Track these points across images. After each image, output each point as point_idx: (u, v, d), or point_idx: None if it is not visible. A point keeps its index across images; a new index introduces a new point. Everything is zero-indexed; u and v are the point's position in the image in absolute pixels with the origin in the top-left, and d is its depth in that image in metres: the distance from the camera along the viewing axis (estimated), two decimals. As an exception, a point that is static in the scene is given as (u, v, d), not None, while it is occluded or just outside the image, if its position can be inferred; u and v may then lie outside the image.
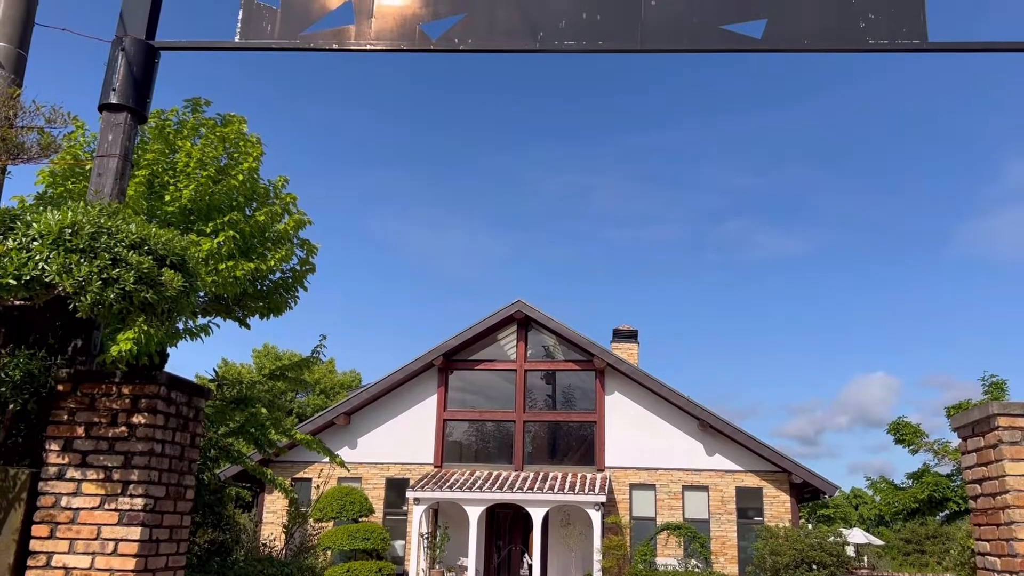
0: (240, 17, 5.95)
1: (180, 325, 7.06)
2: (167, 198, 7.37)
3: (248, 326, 8.22)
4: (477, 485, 22.53)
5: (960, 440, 4.92)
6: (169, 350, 7.13)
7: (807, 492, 24.41)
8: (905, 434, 28.32)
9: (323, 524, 21.49)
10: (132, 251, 3.96)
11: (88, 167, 6.94)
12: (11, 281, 3.81)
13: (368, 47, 5.80)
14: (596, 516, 21.84)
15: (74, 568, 4.23)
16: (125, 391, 4.49)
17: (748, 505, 23.35)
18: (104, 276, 3.80)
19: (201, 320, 7.49)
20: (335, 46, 5.87)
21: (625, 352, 26.36)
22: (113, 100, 5.55)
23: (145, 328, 4.67)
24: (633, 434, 24.11)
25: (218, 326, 7.69)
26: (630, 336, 27.34)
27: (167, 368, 7.45)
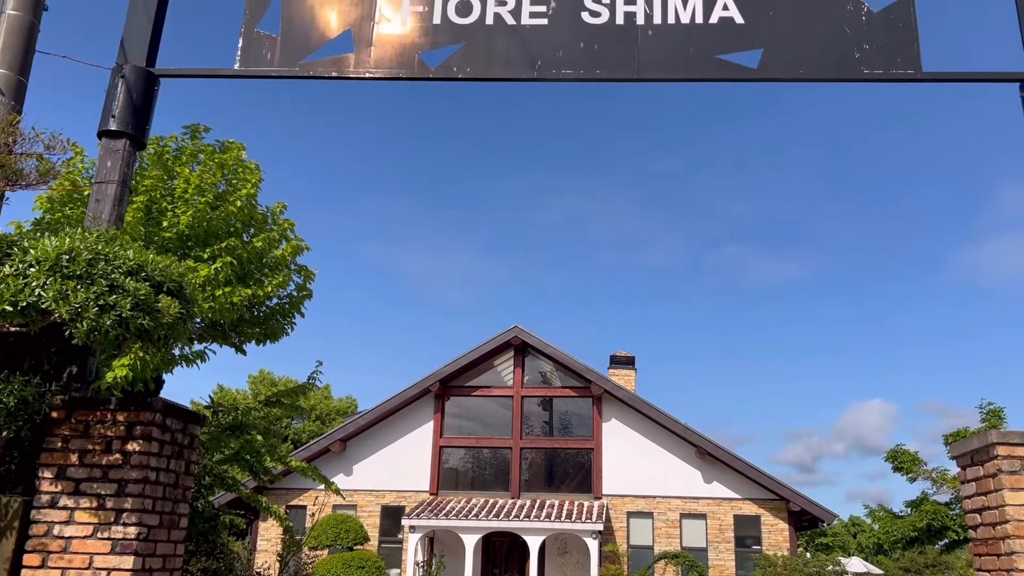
0: (240, 45, 6.00)
1: (176, 351, 7.04)
2: (165, 224, 7.38)
3: (244, 352, 8.20)
4: (473, 513, 22.35)
5: (959, 469, 4.90)
6: (165, 376, 7.10)
7: (805, 520, 24.26)
8: (903, 462, 28.18)
9: (318, 552, 21.27)
10: (129, 277, 3.95)
11: (86, 193, 6.95)
12: (7, 308, 3.80)
13: (367, 75, 5.85)
14: (593, 545, 21.66)
15: (65, 598, 4.18)
16: (120, 418, 4.46)
17: (746, 533, 23.19)
18: (101, 303, 3.79)
19: (197, 346, 7.47)
20: (334, 74, 5.91)
21: (622, 378, 26.28)
22: (112, 127, 5.58)
23: (141, 354, 4.65)
24: (631, 461, 23.98)
25: (214, 352, 7.67)
26: (627, 362, 27.29)
27: (163, 394, 7.41)
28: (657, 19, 5.83)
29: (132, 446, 4.38)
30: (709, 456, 23.50)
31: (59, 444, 4.42)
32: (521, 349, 25.15)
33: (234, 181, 7.97)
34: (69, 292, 3.79)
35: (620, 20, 5.83)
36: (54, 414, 4.48)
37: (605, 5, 5.87)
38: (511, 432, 24.63)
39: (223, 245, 7.47)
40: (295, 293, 8.51)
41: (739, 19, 5.81)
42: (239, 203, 7.71)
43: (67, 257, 3.88)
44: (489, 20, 5.86)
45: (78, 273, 3.86)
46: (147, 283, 4.02)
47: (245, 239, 8.00)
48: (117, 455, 4.37)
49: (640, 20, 5.83)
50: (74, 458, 4.38)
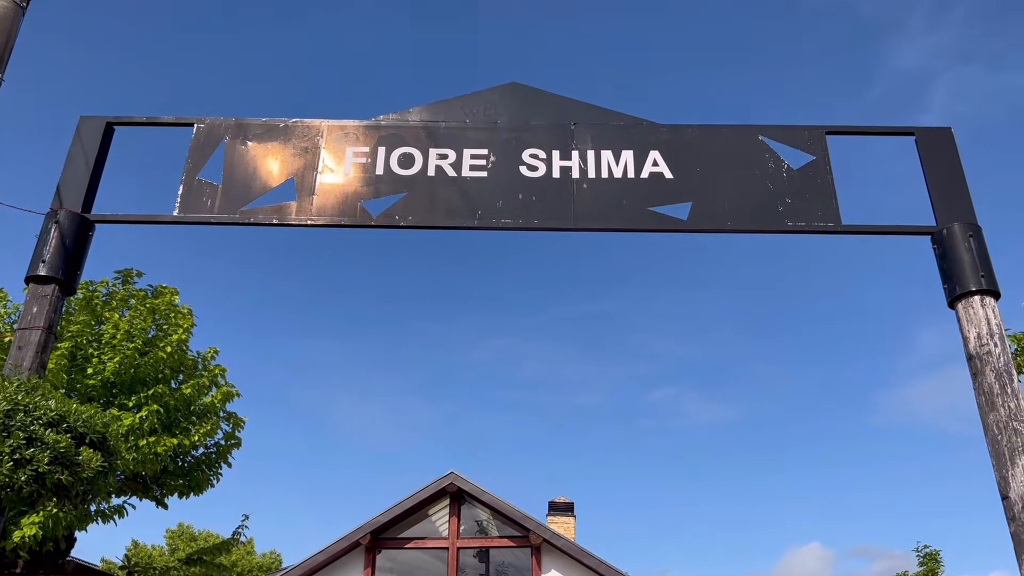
0: (180, 192, 6.01)
1: (92, 506, 6.61)
2: (89, 371, 7.11)
3: (166, 506, 7.77)
4: (405, 677, 20.89)
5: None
6: (78, 533, 6.64)
7: (752, 675, 23.33)
8: (845, 609, 27.70)
9: None
10: (49, 429, 3.75)
11: (7, 339, 6.70)
12: (-89, 463, 3.54)
13: (309, 223, 5.89)
14: None
15: None
16: (26, 583, 4.10)
17: None
18: (16, 456, 3.57)
19: (116, 500, 7.04)
20: (275, 221, 5.94)
21: (561, 526, 25.58)
22: (42, 272, 5.45)
23: (55, 511, 4.36)
24: (571, 615, 22.96)
25: (133, 507, 7.22)
26: (566, 509, 26.67)
27: (74, 552, 6.92)
28: (591, 173, 6.09)
29: (37, 615, 4.01)
30: (651, 608, 22.70)
31: (-46, 615, 4.02)
32: (457, 496, 24.40)
33: (165, 326, 7.80)
34: (-18, 446, 3.56)
35: (556, 174, 6.07)
36: (-49, 581, 4.10)
37: (541, 160, 6.13)
38: (446, 586, 23.48)
39: (150, 392, 7.20)
40: (223, 442, 8.20)
41: (668, 174, 6.11)
42: (169, 349, 7.51)
43: (-17, 408, 3.67)
44: (431, 172, 6.04)
45: (-7, 425, 3.64)
46: (68, 435, 3.82)
47: (173, 386, 7.74)
48: (19, 626, 3.99)
49: (575, 174, 6.08)
50: (-30, 631, 3.98)
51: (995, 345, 5.18)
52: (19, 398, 3.81)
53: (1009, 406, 4.99)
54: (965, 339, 5.34)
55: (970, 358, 5.27)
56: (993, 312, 5.32)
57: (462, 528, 24.29)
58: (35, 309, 5.35)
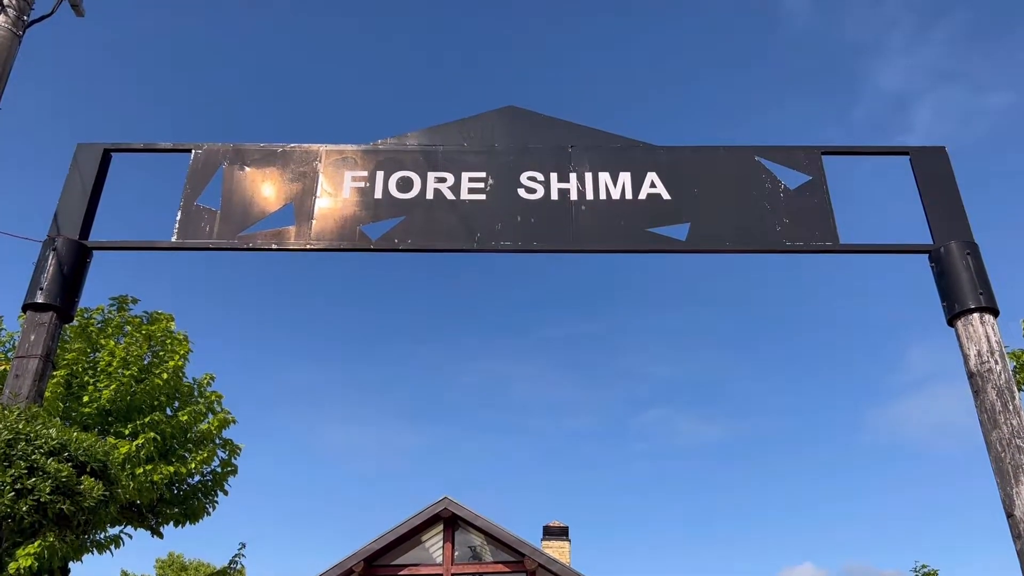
0: (178, 218, 6.00)
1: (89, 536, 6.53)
2: (85, 399, 7.05)
3: (161, 535, 7.68)
4: None
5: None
6: (71, 564, 6.54)
7: None
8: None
9: None
10: (51, 458, 3.70)
11: (3, 368, 6.63)
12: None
13: (308, 247, 5.88)
14: None
15: None
16: (25, 616, 4.03)
17: None
18: (18, 486, 3.52)
19: (112, 530, 6.95)
20: (274, 246, 5.92)
21: (556, 550, 25.36)
22: (39, 299, 5.41)
23: (52, 541, 4.29)
24: (568, 641, 22.71)
25: (130, 536, 7.14)
26: (561, 533, 26.45)
27: (69, 586, 6.80)
28: (589, 195, 6.10)
29: (37, 649, 3.94)
30: (649, 632, 22.48)
31: (-49, 650, 3.94)
32: (451, 521, 24.18)
33: (161, 353, 7.75)
34: (-17, 476, 3.50)
35: (555, 196, 6.09)
36: (-51, 614, 4.02)
37: (540, 182, 6.15)
38: (441, 614, 23.20)
39: (146, 420, 7.14)
40: (219, 469, 8.12)
41: (666, 195, 6.13)
42: (165, 375, 7.46)
43: (-16, 438, 3.62)
44: (429, 195, 6.05)
45: (-6, 455, 3.59)
46: (70, 463, 3.78)
47: (169, 413, 7.68)
48: (19, 660, 3.92)
49: (574, 196, 6.10)
50: (-32, 666, 3.90)
51: (996, 362, 5.19)
52: (20, 427, 3.76)
53: (1012, 423, 5.00)
54: (966, 357, 5.35)
55: (971, 376, 5.28)
56: (993, 329, 5.34)
57: (456, 554, 24.04)
58: (33, 337, 5.31)
